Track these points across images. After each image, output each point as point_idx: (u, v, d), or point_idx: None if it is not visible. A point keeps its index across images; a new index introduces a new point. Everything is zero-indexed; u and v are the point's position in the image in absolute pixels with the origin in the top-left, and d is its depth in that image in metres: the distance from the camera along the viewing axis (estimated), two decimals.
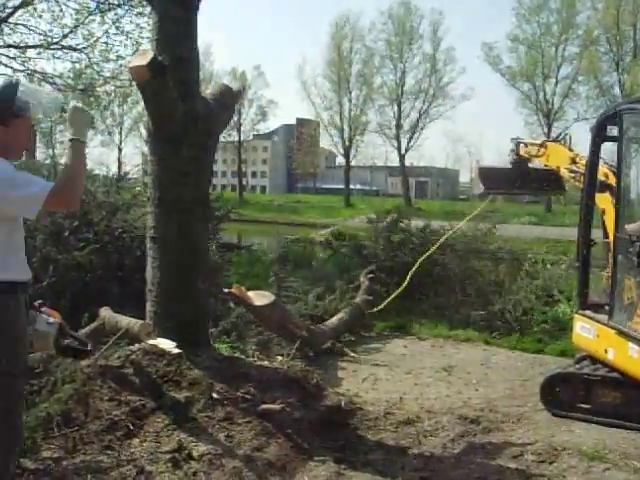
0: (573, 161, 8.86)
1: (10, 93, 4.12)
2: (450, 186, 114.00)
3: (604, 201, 8.00)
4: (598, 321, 7.43)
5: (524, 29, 72.64)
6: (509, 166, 10.22)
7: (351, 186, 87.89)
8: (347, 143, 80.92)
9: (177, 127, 6.85)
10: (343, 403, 6.89)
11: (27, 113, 4.18)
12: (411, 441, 6.49)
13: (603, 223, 8.28)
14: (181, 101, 6.79)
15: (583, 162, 8.53)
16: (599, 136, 7.76)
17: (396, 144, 79.39)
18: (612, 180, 7.89)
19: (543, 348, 10.39)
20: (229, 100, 7.70)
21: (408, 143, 78.99)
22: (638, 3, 65.61)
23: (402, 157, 79.79)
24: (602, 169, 8.23)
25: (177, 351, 6.48)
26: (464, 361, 9.66)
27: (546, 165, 9.53)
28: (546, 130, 70.71)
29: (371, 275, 12.36)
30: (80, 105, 4.24)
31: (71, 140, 4.09)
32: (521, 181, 10.08)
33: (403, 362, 9.53)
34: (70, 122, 4.14)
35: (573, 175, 8.68)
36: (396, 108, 79.06)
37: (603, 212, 8.13)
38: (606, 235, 8.28)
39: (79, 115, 4.20)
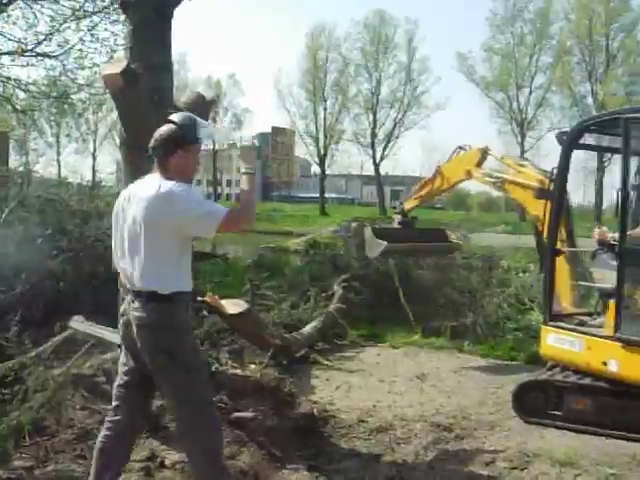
0: (469, 173, 9.58)
1: (192, 121, 4.77)
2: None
3: (540, 208, 8.17)
4: (588, 333, 7.41)
5: (498, 39, 73.46)
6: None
7: (326, 195, 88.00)
8: (322, 152, 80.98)
9: (150, 135, 6.84)
10: (316, 411, 6.92)
11: (200, 140, 4.79)
12: (384, 449, 6.51)
13: (537, 230, 8.45)
14: (154, 109, 6.78)
15: (479, 172, 9.24)
16: (573, 145, 7.83)
17: (371, 153, 79.65)
18: (550, 187, 8.03)
19: (516, 356, 10.45)
20: (203, 109, 7.69)
21: (383, 152, 79.28)
22: (610, 14, 66.36)
23: (377, 166, 80.00)
24: (536, 175, 8.41)
25: None
26: (437, 369, 9.70)
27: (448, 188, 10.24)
28: (520, 139, 71.34)
29: (345, 284, 12.39)
30: (249, 144, 5.17)
31: (245, 173, 4.72)
32: (409, 241, 10.67)
33: (376, 370, 9.55)
34: (242, 158, 4.84)
35: (487, 178, 9.30)
36: (371, 117, 79.36)
37: (537, 219, 8.33)
38: (541, 243, 8.39)
39: (249, 152, 4.94)
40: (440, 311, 12.10)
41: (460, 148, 9.97)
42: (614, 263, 7.43)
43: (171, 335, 4.53)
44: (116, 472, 4.73)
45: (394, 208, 11.16)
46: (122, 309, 4.74)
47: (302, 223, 63.64)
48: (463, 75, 74.86)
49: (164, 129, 4.73)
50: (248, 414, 6.21)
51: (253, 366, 8.30)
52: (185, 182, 4.60)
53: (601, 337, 7.21)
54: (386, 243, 10.03)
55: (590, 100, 68.52)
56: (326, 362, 9.73)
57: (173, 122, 4.75)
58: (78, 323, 7.36)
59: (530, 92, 72.43)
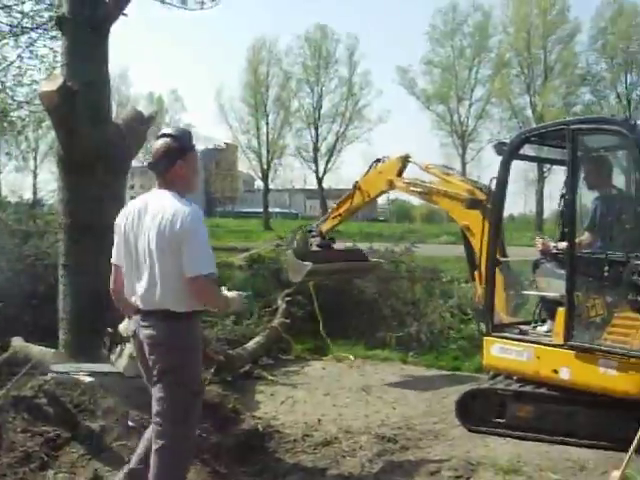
0: (390, 183, 9.43)
1: (185, 130, 5.00)
2: (368, 208, 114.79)
3: (470, 218, 8.27)
4: (536, 342, 7.49)
5: (438, 53, 74.23)
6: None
7: (270, 209, 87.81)
8: (265, 167, 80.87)
9: (88, 153, 6.78)
10: (260, 427, 6.90)
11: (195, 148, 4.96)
12: (329, 462, 6.50)
13: (466, 240, 8.53)
14: (92, 126, 6.73)
15: (402, 181, 9.23)
16: (513, 155, 7.94)
17: (314, 167, 79.80)
18: (481, 197, 8.17)
19: (459, 365, 10.55)
20: (141, 125, 7.66)
21: (326, 166, 79.43)
22: (548, 27, 67.54)
23: (320, 180, 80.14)
24: (465, 185, 8.49)
25: (90, 380, 6.38)
26: (382, 381, 9.74)
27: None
28: (461, 151, 72.14)
29: (288, 298, 12.36)
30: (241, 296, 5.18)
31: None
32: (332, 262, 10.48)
33: (321, 384, 9.55)
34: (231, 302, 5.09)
35: (412, 187, 9.20)
36: (313, 131, 79.52)
37: (467, 228, 8.37)
38: (470, 252, 8.50)
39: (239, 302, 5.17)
40: (384, 322, 12.13)
41: (378, 161, 9.78)
42: (559, 272, 7.56)
43: (185, 354, 4.72)
44: None
45: (309, 232, 10.74)
46: (131, 331, 4.88)
47: (246, 238, 63.52)
48: (404, 88, 75.57)
49: (160, 143, 4.80)
50: None
51: None
52: (191, 192, 4.86)
53: (551, 346, 7.30)
54: (310, 264, 9.80)
55: (529, 112, 69.63)
56: (270, 377, 9.70)
57: (167, 135, 4.85)
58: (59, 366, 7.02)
59: (470, 104, 73.42)
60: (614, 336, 6.88)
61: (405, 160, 9.45)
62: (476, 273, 8.30)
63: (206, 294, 4.72)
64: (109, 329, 5.88)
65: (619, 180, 8.22)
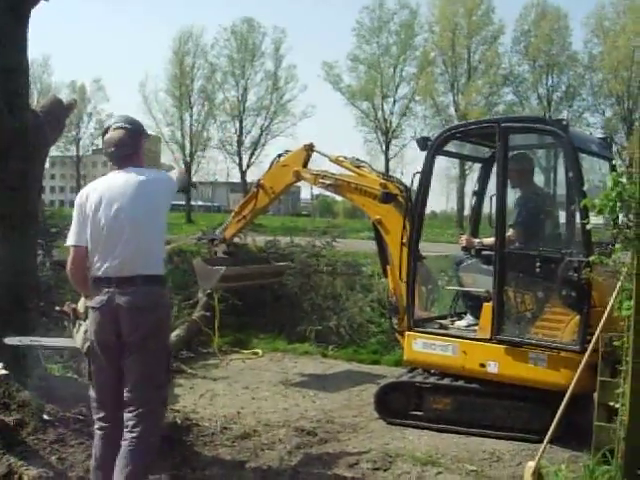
0: (297, 174, 9.19)
1: (133, 118, 5.29)
2: (291, 202, 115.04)
3: (383, 212, 8.28)
4: (462, 337, 7.61)
5: (364, 49, 74.46)
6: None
7: (192, 202, 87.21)
8: (188, 159, 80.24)
9: (4, 140, 6.61)
10: (179, 420, 6.83)
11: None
12: (248, 455, 6.50)
13: (377, 234, 8.57)
14: (9, 113, 6.57)
15: (309, 172, 9.10)
16: (438, 151, 8.01)
17: (237, 160, 79.40)
18: (395, 191, 8.20)
19: (379, 359, 10.64)
20: (60, 113, 7.50)
21: (250, 159, 79.05)
22: (472, 27, 68.51)
23: (243, 173, 79.75)
24: (378, 179, 8.49)
25: (4, 372, 6.22)
26: (302, 374, 9.77)
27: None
28: (384, 147, 72.63)
29: (209, 291, 12.28)
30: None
31: None
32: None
33: (241, 377, 9.54)
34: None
35: (320, 180, 8.98)
36: (238, 124, 79.12)
37: (379, 222, 8.37)
38: (381, 246, 8.57)
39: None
40: (305, 316, 12.14)
41: (279, 156, 9.49)
42: (485, 268, 7.68)
43: (166, 316, 5.16)
44: None
45: (212, 242, 10.14)
46: (99, 301, 4.84)
47: (168, 231, 62.96)
48: (329, 84, 75.70)
49: (122, 132, 5.07)
50: None
51: None
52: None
53: (478, 340, 7.42)
54: (223, 268, 9.28)
55: (452, 110, 70.51)
56: (190, 370, 9.65)
57: (124, 126, 5.13)
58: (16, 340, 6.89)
59: (394, 101, 73.84)
60: (544, 330, 7.05)
61: (310, 149, 9.26)
62: (388, 268, 8.37)
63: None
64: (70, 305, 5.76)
65: (542, 179, 8.42)
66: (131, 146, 5.07)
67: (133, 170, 5.01)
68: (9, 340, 6.61)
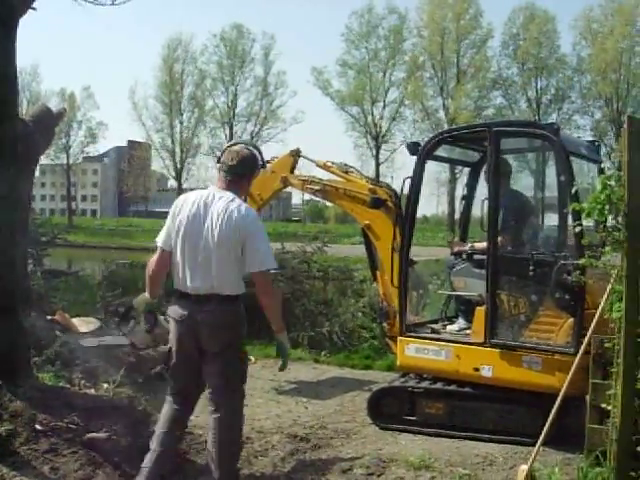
0: (284, 180, 9.08)
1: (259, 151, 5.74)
2: (282, 208, 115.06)
3: (372, 217, 8.25)
4: (456, 341, 7.61)
5: (353, 54, 74.74)
6: None
7: None
8: (179, 166, 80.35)
9: None
10: None
11: None
12: (242, 462, 6.42)
13: (367, 239, 8.57)
14: None
15: (297, 178, 8.98)
16: (429, 155, 8.01)
17: None
18: (384, 196, 8.18)
19: (371, 364, 10.64)
20: (49, 122, 7.50)
21: None
22: (461, 31, 68.78)
23: None
24: (367, 184, 8.45)
25: None
26: (294, 380, 9.76)
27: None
28: (375, 152, 72.77)
29: None
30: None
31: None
32: None
33: None
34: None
35: (308, 185, 8.86)
36: (228, 130, 79.27)
37: (368, 228, 8.35)
38: (370, 250, 8.56)
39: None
40: (297, 322, 12.13)
41: (267, 162, 9.03)
42: (477, 272, 7.69)
43: (242, 329, 5.52)
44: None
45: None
46: (180, 314, 5.32)
47: (155, 236, 62.91)
48: (319, 89, 75.87)
49: (247, 153, 5.54)
50: (102, 435, 6.03)
51: (106, 385, 8.12)
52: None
53: (472, 344, 7.43)
54: None
55: (442, 114, 70.75)
56: None
57: (254, 148, 5.72)
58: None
59: (384, 106, 74.18)
60: (538, 333, 7.08)
61: (296, 155, 9.16)
62: (378, 273, 8.38)
63: (268, 287, 5.47)
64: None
65: (530, 183, 8.44)
66: (242, 170, 5.45)
67: (232, 196, 5.34)
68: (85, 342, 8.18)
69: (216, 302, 5.25)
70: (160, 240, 5.43)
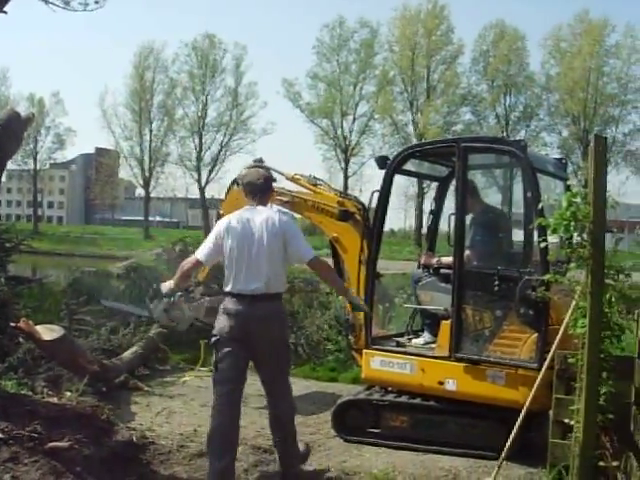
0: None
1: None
2: None
3: (340, 230, 8.29)
4: (420, 355, 7.64)
5: (324, 67, 74.83)
6: None
7: (151, 218, 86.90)
8: (147, 174, 79.95)
9: None
10: (135, 438, 6.75)
11: None
12: (204, 473, 6.43)
13: (334, 252, 8.59)
14: None
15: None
16: (397, 169, 8.05)
17: (196, 176, 79.20)
18: (352, 209, 8.21)
19: (336, 377, 10.66)
20: (17, 127, 7.41)
21: (209, 175, 78.97)
22: (432, 47, 69.21)
23: (202, 189, 79.62)
24: (336, 197, 8.47)
25: None
26: (259, 392, 9.65)
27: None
28: (344, 165, 72.92)
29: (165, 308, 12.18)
30: None
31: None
32: None
33: (198, 395, 9.44)
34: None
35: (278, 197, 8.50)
36: (197, 140, 79.02)
37: (336, 240, 8.39)
38: (337, 263, 8.57)
39: None
40: None
41: (235, 182, 9.01)
42: (443, 286, 7.72)
43: (287, 323, 6.77)
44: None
45: (187, 291, 8.96)
46: (235, 310, 6.04)
47: (126, 246, 62.61)
48: (289, 101, 75.87)
49: (265, 172, 6.76)
50: (64, 444, 5.97)
51: (69, 394, 8.05)
52: None
53: (437, 358, 7.46)
54: (207, 299, 9.05)
55: (411, 129, 71.04)
56: (146, 388, 9.56)
57: (261, 167, 7.06)
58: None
59: (354, 119, 74.24)
60: (502, 348, 7.11)
61: (259, 165, 8.74)
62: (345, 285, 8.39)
63: (325, 265, 6.60)
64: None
65: (497, 198, 8.50)
66: (266, 188, 6.46)
67: (269, 208, 6.32)
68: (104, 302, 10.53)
69: (268, 300, 6.08)
70: (202, 255, 6.24)
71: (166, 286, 6.65)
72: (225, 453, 5.97)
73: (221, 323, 6.15)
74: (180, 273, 6.39)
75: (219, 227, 6.25)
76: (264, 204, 6.35)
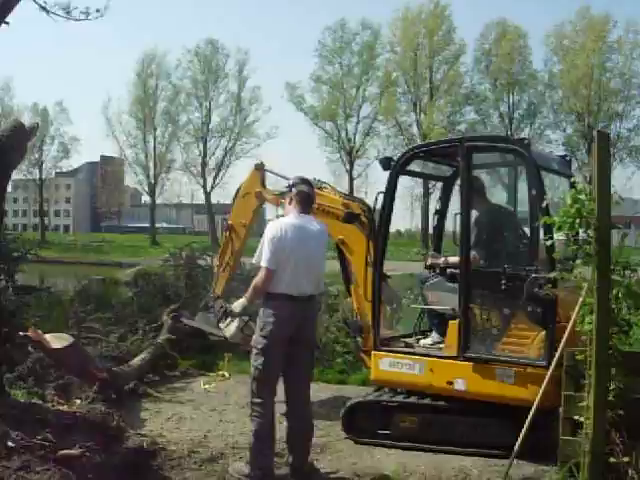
0: (260, 196, 9.16)
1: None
2: (256, 224, 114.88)
3: (346, 232, 8.31)
4: (429, 355, 7.64)
5: (327, 70, 74.85)
6: None
7: (157, 224, 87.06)
8: (152, 181, 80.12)
9: None
10: (145, 444, 6.77)
11: None
12: (216, 478, 6.47)
13: (340, 253, 8.60)
14: None
15: (271, 193, 9.00)
16: (402, 170, 8.08)
17: (202, 182, 79.35)
18: (357, 211, 8.24)
19: (345, 379, 10.63)
20: (22, 137, 7.43)
21: (214, 181, 79.18)
22: (434, 47, 69.16)
23: (208, 195, 79.78)
24: (341, 199, 8.50)
25: None
26: None
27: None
28: (348, 167, 72.92)
29: (174, 314, 12.23)
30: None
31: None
32: None
33: (208, 400, 9.47)
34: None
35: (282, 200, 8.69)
36: (202, 146, 79.20)
37: (342, 242, 8.41)
38: (344, 265, 8.63)
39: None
40: None
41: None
42: (450, 286, 7.72)
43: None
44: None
45: (208, 307, 9.97)
46: (287, 314, 6.38)
47: (133, 254, 62.69)
48: (293, 105, 75.92)
49: (310, 188, 6.87)
50: (75, 451, 5.98)
51: (79, 401, 8.07)
52: None
53: (445, 358, 7.46)
54: (246, 318, 8.25)
55: (415, 129, 71.04)
56: (156, 394, 9.56)
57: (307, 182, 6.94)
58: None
59: (358, 121, 74.36)
60: (511, 346, 7.10)
61: (261, 168, 9.15)
62: (352, 287, 8.40)
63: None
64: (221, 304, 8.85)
65: (502, 197, 8.49)
66: (312, 201, 6.87)
67: (309, 218, 6.70)
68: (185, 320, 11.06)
69: (314, 301, 6.72)
70: (270, 264, 6.37)
71: (240, 305, 6.96)
72: (272, 451, 6.55)
73: (274, 327, 6.37)
74: (255, 291, 6.57)
75: (275, 232, 6.45)
76: (307, 213, 6.72)
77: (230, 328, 8.21)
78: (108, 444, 6.45)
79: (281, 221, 6.63)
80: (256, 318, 6.65)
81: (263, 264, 6.40)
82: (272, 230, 6.48)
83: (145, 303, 13.52)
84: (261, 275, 6.45)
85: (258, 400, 6.48)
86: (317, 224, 6.70)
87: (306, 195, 6.70)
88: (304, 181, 6.87)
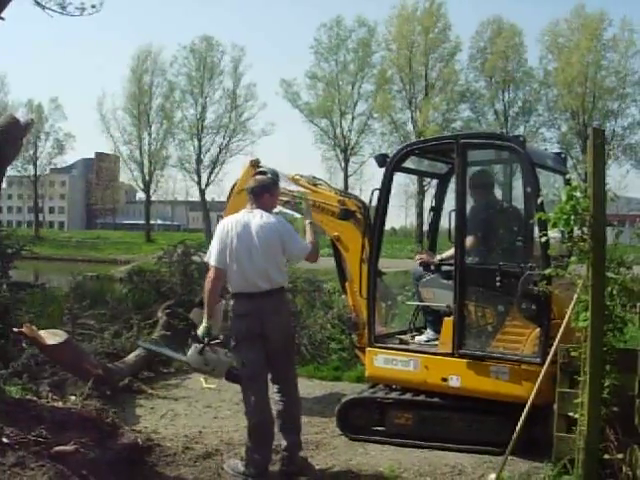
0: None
1: (276, 174, 7.22)
2: None
3: (341, 229, 8.32)
4: (423, 352, 7.64)
5: (322, 67, 74.89)
6: None
7: (152, 221, 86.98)
8: (147, 178, 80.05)
9: None
10: (140, 440, 6.76)
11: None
12: (211, 475, 6.48)
13: (336, 251, 8.61)
14: None
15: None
16: (397, 167, 8.06)
17: (197, 179, 79.30)
18: (353, 208, 8.25)
19: (340, 376, 10.63)
20: (17, 133, 7.41)
21: (209, 178, 79.13)
22: (429, 44, 69.22)
23: (203, 192, 79.73)
24: (336, 196, 8.50)
25: None
26: None
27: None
28: (344, 164, 72.97)
29: (168, 310, 12.22)
30: None
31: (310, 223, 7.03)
32: None
33: (202, 396, 9.47)
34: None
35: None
36: (196, 143, 79.14)
37: (337, 239, 8.42)
38: (339, 262, 8.64)
39: None
40: None
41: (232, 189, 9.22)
42: (444, 282, 7.73)
43: (291, 314, 7.44)
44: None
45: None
46: (244, 310, 6.36)
47: (128, 250, 62.69)
48: (288, 102, 75.94)
49: (262, 178, 6.85)
50: (69, 447, 5.97)
51: (74, 398, 8.07)
52: (269, 212, 6.62)
53: (440, 355, 7.47)
54: None
55: (410, 127, 71.10)
56: (151, 390, 9.56)
57: (265, 173, 7.06)
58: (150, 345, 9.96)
59: (353, 119, 74.43)
60: (505, 343, 7.11)
61: (256, 165, 8.87)
62: (347, 284, 8.41)
63: (315, 257, 6.71)
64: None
65: (497, 194, 8.49)
66: (261, 191, 6.62)
67: (258, 212, 6.49)
68: (142, 344, 9.85)
69: (274, 295, 6.40)
70: (216, 262, 6.39)
71: (202, 327, 6.50)
72: (269, 446, 6.46)
73: (236, 326, 6.44)
74: (207, 294, 6.43)
75: (220, 230, 6.48)
76: (261, 207, 6.55)
77: (190, 351, 7.03)
78: (103, 440, 6.44)
79: (227, 219, 6.66)
80: (225, 340, 6.62)
81: (211, 263, 6.45)
82: (218, 228, 6.58)
83: (140, 300, 13.50)
84: (209, 274, 6.47)
85: (246, 398, 6.53)
86: (266, 217, 6.47)
87: (251, 189, 6.67)
88: (257, 173, 7.05)
